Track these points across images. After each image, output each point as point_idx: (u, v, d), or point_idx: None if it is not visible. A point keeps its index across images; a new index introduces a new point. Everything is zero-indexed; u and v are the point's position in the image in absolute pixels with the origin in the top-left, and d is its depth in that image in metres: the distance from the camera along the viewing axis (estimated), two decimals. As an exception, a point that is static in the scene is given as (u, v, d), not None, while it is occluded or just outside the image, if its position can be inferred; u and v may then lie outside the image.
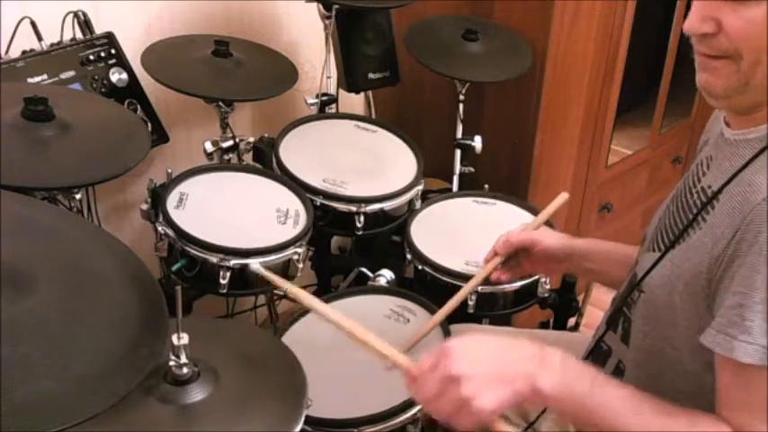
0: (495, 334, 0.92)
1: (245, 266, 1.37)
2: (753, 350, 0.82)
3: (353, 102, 2.15)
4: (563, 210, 2.27)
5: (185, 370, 0.96)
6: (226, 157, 1.74)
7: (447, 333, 1.31)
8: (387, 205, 1.61)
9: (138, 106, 1.61)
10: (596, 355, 1.13)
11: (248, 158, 1.81)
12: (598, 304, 1.72)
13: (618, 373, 1.08)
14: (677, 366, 0.98)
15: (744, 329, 0.83)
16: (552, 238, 1.29)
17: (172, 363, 0.95)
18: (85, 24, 1.58)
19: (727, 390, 0.88)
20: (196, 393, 0.96)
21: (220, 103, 1.67)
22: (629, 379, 1.06)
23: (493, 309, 1.52)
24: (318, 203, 1.56)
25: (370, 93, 2.16)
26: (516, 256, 1.32)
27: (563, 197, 1.38)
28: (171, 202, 1.44)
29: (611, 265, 1.24)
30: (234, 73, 1.65)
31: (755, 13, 0.83)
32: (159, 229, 1.40)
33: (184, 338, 0.95)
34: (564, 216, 2.27)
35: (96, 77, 1.55)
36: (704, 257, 0.90)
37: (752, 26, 0.83)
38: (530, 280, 1.51)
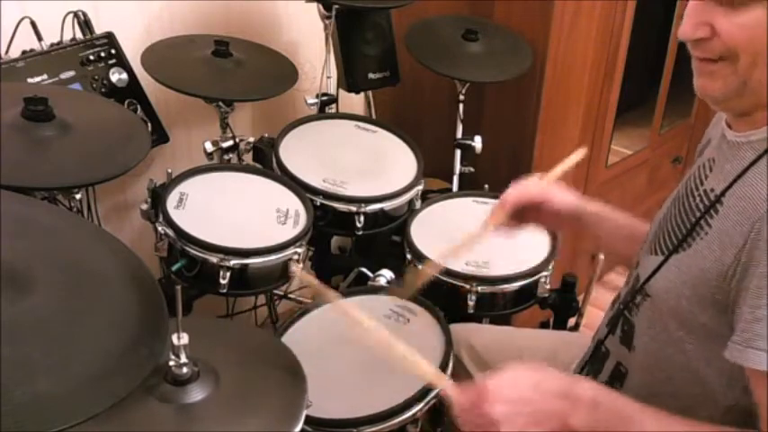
0: (530, 370, 0.96)
1: (245, 266, 1.37)
2: None
3: (353, 102, 2.15)
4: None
5: (185, 370, 0.96)
6: (226, 157, 1.74)
7: (447, 333, 1.31)
8: (387, 205, 1.61)
9: (138, 106, 1.61)
10: (595, 357, 1.13)
11: (248, 158, 1.81)
12: (598, 304, 1.72)
13: (617, 375, 1.08)
14: (687, 371, 0.98)
15: None
16: (564, 198, 1.25)
17: (172, 362, 0.95)
18: (85, 24, 1.58)
19: (766, 403, 0.86)
20: (196, 393, 0.96)
21: (220, 103, 1.67)
22: (634, 383, 1.06)
23: (493, 309, 1.52)
24: (318, 203, 1.56)
25: (370, 93, 2.16)
26: (522, 210, 1.27)
27: (581, 152, 1.35)
28: (171, 202, 1.44)
29: (618, 239, 1.23)
30: (234, 73, 1.65)
31: (748, 17, 0.83)
32: (159, 229, 1.40)
33: (184, 338, 0.95)
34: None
35: (96, 77, 1.55)
36: (712, 265, 0.89)
37: (745, 30, 0.83)
38: (530, 280, 1.51)
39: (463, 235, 1.27)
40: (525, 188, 1.25)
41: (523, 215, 1.27)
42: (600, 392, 0.95)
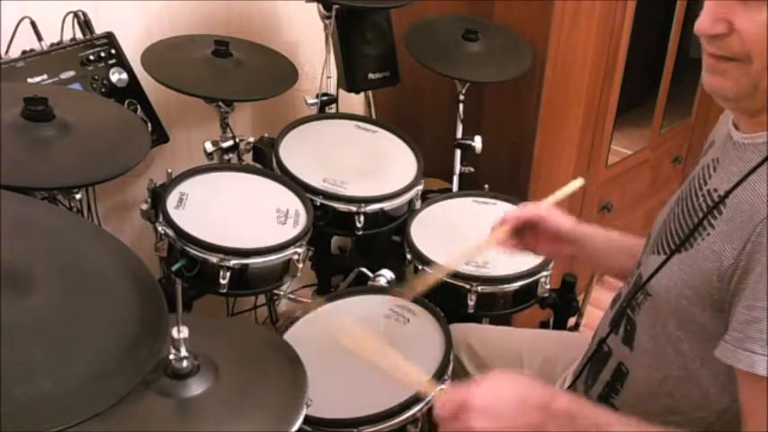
0: (511, 381, 0.99)
1: (246, 266, 1.37)
2: None
3: (353, 102, 2.15)
4: (563, 209, 2.27)
5: (185, 363, 0.96)
6: (226, 157, 1.74)
7: (447, 333, 1.31)
8: (387, 205, 1.62)
9: (138, 106, 1.61)
10: (596, 356, 1.13)
11: (248, 158, 1.81)
12: (598, 304, 1.72)
13: (619, 374, 1.08)
14: (683, 371, 0.98)
15: (763, 343, 0.82)
16: (561, 218, 1.27)
17: (172, 356, 0.95)
18: (85, 24, 1.58)
19: (752, 404, 0.87)
20: (196, 387, 0.96)
21: (220, 103, 1.67)
22: (634, 382, 1.06)
23: (493, 308, 1.52)
24: (318, 203, 1.56)
25: (370, 93, 2.16)
26: (522, 230, 1.29)
27: (578, 182, 1.37)
28: (171, 202, 1.44)
29: (612, 253, 1.24)
30: (234, 73, 1.65)
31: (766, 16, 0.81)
32: (159, 229, 1.40)
33: (184, 332, 0.94)
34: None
35: (96, 77, 1.55)
36: (713, 266, 0.89)
37: (764, 30, 0.82)
38: (530, 280, 1.51)
39: (465, 247, 1.30)
40: (525, 208, 1.28)
41: (524, 238, 1.30)
42: (575, 404, 0.97)
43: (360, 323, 1.07)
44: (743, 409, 0.89)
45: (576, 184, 1.36)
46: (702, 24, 0.86)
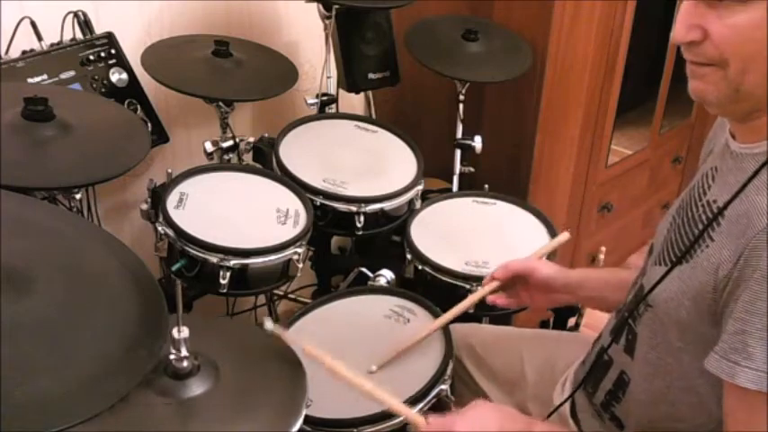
0: (494, 410, 1.05)
1: (246, 266, 1.37)
2: (755, 376, 0.81)
3: (353, 102, 2.15)
4: (563, 209, 2.28)
5: (185, 363, 0.96)
6: (226, 157, 1.74)
7: (447, 336, 1.31)
8: (387, 205, 1.61)
9: (138, 106, 1.61)
10: (597, 365, 1.13)
11: (248, 158, 1.81)
12: (598, 304, 1.72)
13: (621, 384, 1.08)
14: (682, 382, 0.98)
15: (747, 355, 0.82)
16: (549, 268, 1.30)
17: (172, 356, 0.95)
18: (85, 24, 1.58)
19: (732, 414, 0.88)
20: (196, 387, 0.96)
21: (220, 103, 1.67)
22: (636, 392, 1.06)
23: (493, 308, 1.51)
24: (318, 203, 1.57)
25: (370, 93, 2.16)
26: (514, 285, 1.33)
27: (564, 236, 1.44)
28: (171, 202, 1.44)
29: (608, 291, 1.25)
30: (234, 73, 1.65)
31: (741, 19, 0.81)
32: (159, 229, 1.40)
33: (185, 332, 0.94)
34: (564, 216, 2.28)
35: (96, 77, 1.55)
36: (710, 277, 0.89)
37: (737, 32, 0.82)
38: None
39: (456, 307, 1.33)
40: (511, 263, 1.32)
41: (517, 292, 1.33)
42: (552, 427, 1.01)
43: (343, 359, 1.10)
44: (725, 419, 0.89)
45: (562, 238, 1.42)
46: (677, 33, 0.87)
